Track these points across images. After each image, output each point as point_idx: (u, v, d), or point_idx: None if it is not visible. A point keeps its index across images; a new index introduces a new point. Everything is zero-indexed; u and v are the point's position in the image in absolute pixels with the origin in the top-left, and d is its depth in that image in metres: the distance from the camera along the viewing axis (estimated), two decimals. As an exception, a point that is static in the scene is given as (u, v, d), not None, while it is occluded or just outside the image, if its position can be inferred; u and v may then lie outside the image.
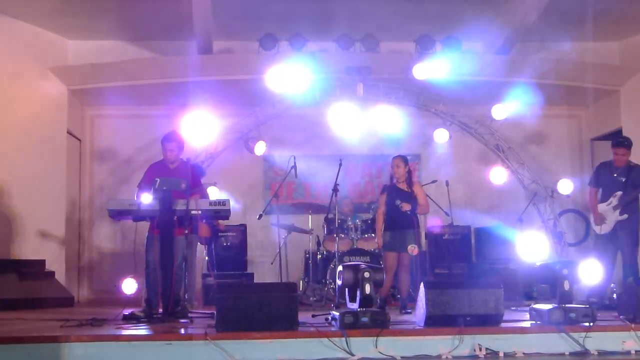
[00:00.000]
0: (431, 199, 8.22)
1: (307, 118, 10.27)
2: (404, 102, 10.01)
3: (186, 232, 6.35)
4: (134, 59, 10.20)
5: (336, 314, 5.35)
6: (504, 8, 9.60)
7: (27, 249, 9.36)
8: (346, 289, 5.54)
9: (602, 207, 7.78)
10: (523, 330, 5.40)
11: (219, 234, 9.41)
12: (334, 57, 9.87)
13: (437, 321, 5.33)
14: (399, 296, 7.77)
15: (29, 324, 6.23)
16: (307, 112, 10.13)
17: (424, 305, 5.37)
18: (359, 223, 9.23)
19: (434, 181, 9.13)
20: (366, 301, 5.36)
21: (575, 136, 11.56)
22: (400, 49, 10.29)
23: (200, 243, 7.07)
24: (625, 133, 9.46)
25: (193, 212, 6.30)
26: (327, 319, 5.75)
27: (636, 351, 5.23)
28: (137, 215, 6.41)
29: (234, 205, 6.71)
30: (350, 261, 8.55)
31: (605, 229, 7.72)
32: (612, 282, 7.82)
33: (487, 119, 10.14)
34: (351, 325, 5.16)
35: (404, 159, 7.56)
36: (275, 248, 8.80)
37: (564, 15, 9.37)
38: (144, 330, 5.56)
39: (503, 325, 5.44)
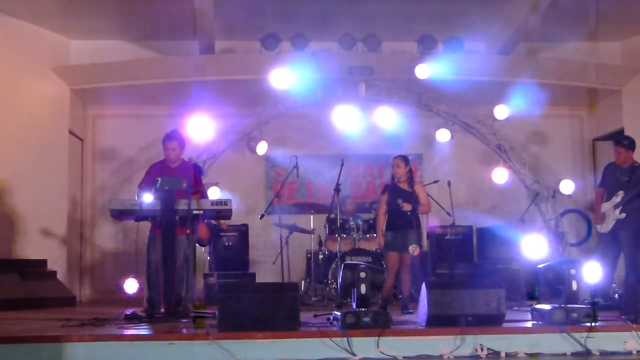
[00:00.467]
0: (433, 199, 8.21)
1: (309, 118, 10.29)
2: (406, 102, 10.02)
3: (188, 232, 6.35)
4: (136, 58, 10.20)
5: (338, 313, 5.34)
6: (506, 8, 9.60)
7: (29, 248, 9.38)
8: (352, 289, 5.54)
9: (605, 206, 7.80)
10: (525, 331, 5.39)
11: (221, 233, 9.42)
12: (336, 57, 9.87)
13: (439, 321, 5.31)
14: (400, 296, 7.76)
15: (30, 323, 6.22)
16: (309, 112, 10.15)
17: (426, 305, 5.36)
18: (360, 223, 9.22)
19: (435, 181, 9.11)
20: (362, 301, 5.36)
21: (577, 136, 11.56)
22: (402, 49, 10.30)
23: (199, 244, 7.01)
24: (627, 133, 9.48)
25: (195, 211, 6.30)
26: (328, 319, 5.74)
27: (638, 351, 5.21)
28: (139, 215, 6.40)
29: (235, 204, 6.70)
30: (352, 261, 8.54)
31: (605, 227, 7.73)
32: (614, 282, 7.81)
33: (489, 119, 10.14)
34: (353, 325, 5.15)
35: (404, 158, 7.53)
36: (277, 248, 8.78)
37: (566, 15, 9.37)
38: (146, 330, 5.55)
39: (505, 325, 5.42)
